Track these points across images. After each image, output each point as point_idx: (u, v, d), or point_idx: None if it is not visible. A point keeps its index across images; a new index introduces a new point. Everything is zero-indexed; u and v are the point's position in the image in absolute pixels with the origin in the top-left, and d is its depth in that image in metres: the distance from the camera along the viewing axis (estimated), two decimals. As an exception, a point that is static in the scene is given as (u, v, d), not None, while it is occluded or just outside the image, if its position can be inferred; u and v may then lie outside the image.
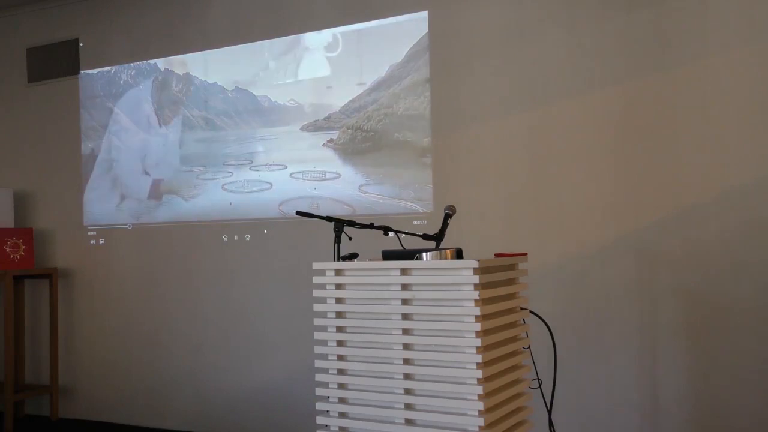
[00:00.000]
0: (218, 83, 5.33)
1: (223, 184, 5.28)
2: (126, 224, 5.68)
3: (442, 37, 4.54)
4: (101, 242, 5.81)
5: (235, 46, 5.25)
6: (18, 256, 5.72)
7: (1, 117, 6.30)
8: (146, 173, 5.59)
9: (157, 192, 5.55)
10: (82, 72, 5.90)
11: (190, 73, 5.44)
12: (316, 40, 4.96)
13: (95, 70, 5.85)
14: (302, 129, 5.01)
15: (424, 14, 4.59)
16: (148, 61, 5.61)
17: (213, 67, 5.36)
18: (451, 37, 4.51)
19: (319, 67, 4.96)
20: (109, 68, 5.79)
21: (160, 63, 5.56)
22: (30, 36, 6.14)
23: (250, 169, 5.19)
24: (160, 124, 5.55)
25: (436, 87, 4.54)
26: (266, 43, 5.14)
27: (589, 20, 4.15)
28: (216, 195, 5.32)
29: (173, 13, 5.52)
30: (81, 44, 5.89)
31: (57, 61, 6.00)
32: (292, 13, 5.06)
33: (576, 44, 4.17)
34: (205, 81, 5.38)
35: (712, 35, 3.87)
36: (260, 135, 5.17)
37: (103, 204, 5.79)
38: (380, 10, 4.73)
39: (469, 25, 4.46)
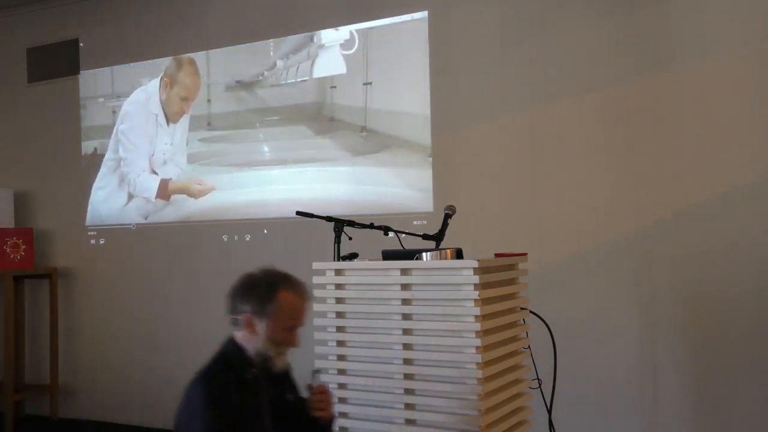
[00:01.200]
0: (221, 82, 5.33)
1: (224, 184, 5.28)
2: (130, 224, 5.68)
3: (442, 36, 4.54)
4: (101, 242, 5.81)
5: (239, 46, 5.24)
6: (18, 256, 5.72)
7: (1, 117, 6.30)
8: (154, 172, 5.58)
9: (164, 192, 5.54)
10: (82, 72, 5.90)
11: (194, 72, 5.43)
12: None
13: (95, 70, 5.85)
14: (304, 128, 5.01)
15: (425, 14, 4.59)
16: (151, 60, 5.61)
17: (216, 66, 5.35)
18: (451, 37, 4.51)
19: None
20: (109, 68, 5.79)
21: (164, 62, 5.55)
22: (30, 36, 6.13)
23: (251, 168, 5.19)
24: (168, 123, 5.54)
25: (436, 87, 4.54)
26: (270, 42, 5.14)
27: (589, 20, 4.14)
28: (216, 195, 5.31)
29: (174, 12, 5.51)
30: (81, 44, 5.89)
31: (57, 61, 5.99)
32: (293, 11, 5.05)
33: (576, 44, 4.17)
34: (208, 80, 5.38)
35: (712, 35, 3.87)
36: (262, 134, 5.17)
37: (110, 204, 5.77)
38: (380, 10, 4.72)
39: (469, 25, 4.46)
